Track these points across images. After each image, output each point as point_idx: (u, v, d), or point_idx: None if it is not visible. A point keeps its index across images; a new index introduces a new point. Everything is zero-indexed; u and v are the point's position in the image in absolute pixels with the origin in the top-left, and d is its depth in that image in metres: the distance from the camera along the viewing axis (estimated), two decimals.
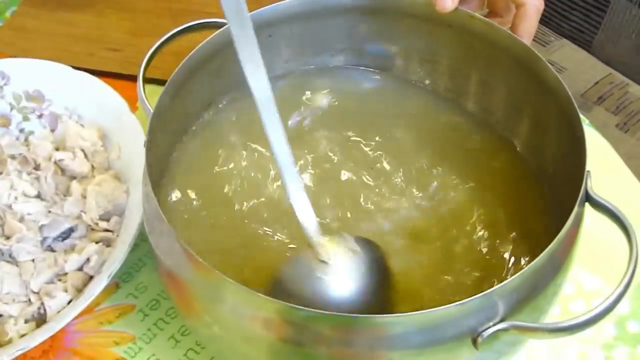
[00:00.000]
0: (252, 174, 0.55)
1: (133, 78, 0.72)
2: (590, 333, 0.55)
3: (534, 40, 0.56)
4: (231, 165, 0.56)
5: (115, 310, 0.57)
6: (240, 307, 0.40)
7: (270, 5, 0.55)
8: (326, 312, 0.38)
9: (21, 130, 0.64)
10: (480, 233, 0.52)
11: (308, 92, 0.60)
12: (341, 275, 0.45)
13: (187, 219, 0.53)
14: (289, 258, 0.50)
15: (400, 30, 0.58)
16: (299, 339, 0.40)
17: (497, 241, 0.52)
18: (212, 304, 0.42)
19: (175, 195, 0.54)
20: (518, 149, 0.56)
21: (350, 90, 0.61)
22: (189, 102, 0.55)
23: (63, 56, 0.72)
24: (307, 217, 0.44)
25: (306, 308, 0.38)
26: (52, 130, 0.63)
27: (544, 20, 1.14)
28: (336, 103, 0.60)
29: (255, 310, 0.40)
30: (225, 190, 0.55)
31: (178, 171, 0.55)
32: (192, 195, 0.54)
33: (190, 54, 0.52)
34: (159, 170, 0.53)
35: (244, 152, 0.56)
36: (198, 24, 0.57)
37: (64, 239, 0.56)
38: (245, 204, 0.54)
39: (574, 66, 1.06)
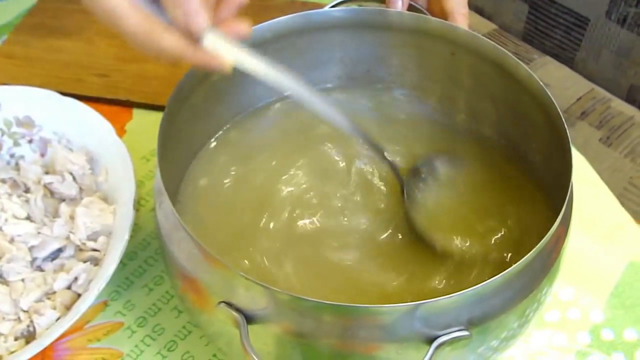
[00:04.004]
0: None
1: (119, 102, 0.74)
2: (565, 342, 0.56)
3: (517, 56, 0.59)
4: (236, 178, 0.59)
5: (104, 328, 0.59)
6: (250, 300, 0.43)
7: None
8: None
9: (12, 155, 0.66)
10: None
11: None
12: None
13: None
14: None
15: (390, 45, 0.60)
16: (305, 330, 0.43)
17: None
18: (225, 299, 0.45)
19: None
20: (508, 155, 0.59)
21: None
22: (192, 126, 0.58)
23: (53, 82, 0.75)
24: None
25: (311, 299, 0.41)
26: (42, 155, 0.65)
27: (527, 38, 1.17)
28: None
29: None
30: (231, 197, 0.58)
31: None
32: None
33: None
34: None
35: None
36: None
37: (53, 259, 0.58)
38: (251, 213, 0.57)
39: (557, 82, 1.08)
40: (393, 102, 0.63)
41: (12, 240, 0.57)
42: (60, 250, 0.58)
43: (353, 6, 0.59)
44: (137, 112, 0.74)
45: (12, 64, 0.79)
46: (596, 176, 0.68)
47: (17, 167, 0.65)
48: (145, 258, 0.62)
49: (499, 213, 0.56)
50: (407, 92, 0.63)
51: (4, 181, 0.61)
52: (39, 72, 0.77)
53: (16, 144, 0.65)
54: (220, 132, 0.61)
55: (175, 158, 0.55)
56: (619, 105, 1.04)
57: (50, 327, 0.53)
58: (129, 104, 0.74)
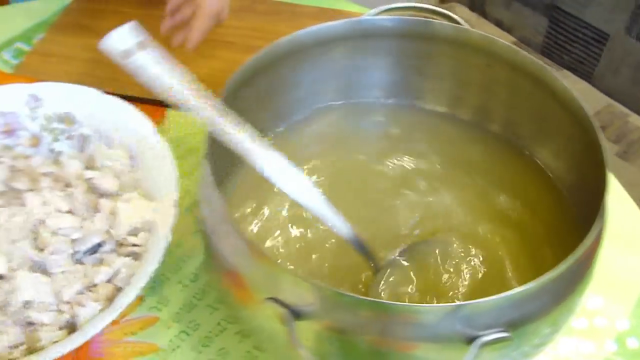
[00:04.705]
0: None
1: (154, 102, 0.76)
2: (592, 349, 0.58)
3: None
4: None
5: (140, 322, 0.60)
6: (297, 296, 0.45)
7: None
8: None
9: (51, 151, 0.67)
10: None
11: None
12: None
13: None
14: None
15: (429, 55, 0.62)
16: (349, 327, 0.45)
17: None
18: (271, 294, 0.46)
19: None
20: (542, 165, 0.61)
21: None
22: None
23: (89, 80, 0.76)
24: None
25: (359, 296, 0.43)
26: (81, 151, 0.66)
27: (546, 51, 1.18)
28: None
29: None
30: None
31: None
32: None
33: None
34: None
35: None
36: None
37: (92, 253, 0.59)
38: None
39: None
40: (427, 111, 0.64)
41: (54, 233, 0.58)
42: (99, 244, 0.59)
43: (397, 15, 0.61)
44: (170, 112, 0.76)
45: (49, 62, 0.81)
46: (620, 187, 0.70)
47: (56, 162, 0.66)
48: (180, 256, 0.64)
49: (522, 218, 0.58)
50: (443, 102, 0.64)
51: (45, 175, 0.62)
52: (75, 70, 0.79)
53: (55, 139, 0.67)
54: (270, 129, 0.62)
55: (221, 153, 0.56)
56: (637, 120, 1.05)
57: (92, 318, 0.54)
58: (163, 104, 0.75)
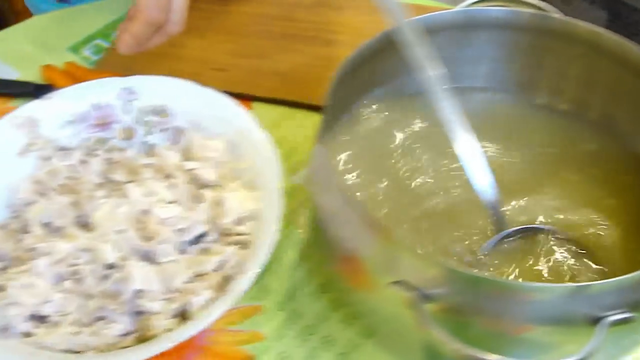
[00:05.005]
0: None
1: (238, 96, 0.76)
2: None
3: None
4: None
5: (243, 311, 0.60)
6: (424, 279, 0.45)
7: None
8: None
9: (144, 143, 0.68)
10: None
11: None
12: None
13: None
14: None
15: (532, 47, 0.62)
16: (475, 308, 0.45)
17: None
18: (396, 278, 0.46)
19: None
20: None
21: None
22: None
23: (172, 75, 0.76)
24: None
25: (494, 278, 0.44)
26: (175, 143, 0.67)
27: None
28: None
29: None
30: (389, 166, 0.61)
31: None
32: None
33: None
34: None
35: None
36: None
37: (196, 242, 0.60)
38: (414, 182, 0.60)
39: None
40: (530, 102, 0.65)
41: (161, 223, 0.58)
42: (203, 234, 0.60)
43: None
44: (256, 106, 0.76)
45: (129, 57, 0.81)
46: None
47: (150, 155, 0.67)
48: (280, 245, 0.64)
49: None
50: (544, 94, 0.64)
51: (146, 166, 0.62)
52: (157, 66, 0.79)
53: (149, 132, 0.68)
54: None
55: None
56: None
57: (205, 307, 0.55)
58: (248, 98, 0.76)
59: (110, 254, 0.56)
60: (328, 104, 0.52)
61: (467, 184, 0.54)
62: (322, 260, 0.57)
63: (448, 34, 0.60)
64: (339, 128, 0.61)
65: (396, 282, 0.46)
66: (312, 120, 0.75)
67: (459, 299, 0.46)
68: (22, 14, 1.10)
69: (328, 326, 0.59)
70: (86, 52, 0.83)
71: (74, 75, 0.79)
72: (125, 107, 0.67)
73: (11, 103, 0.79)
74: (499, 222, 0.55)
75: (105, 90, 0.67)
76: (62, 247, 0.57)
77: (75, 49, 0.84)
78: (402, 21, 0.53)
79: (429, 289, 0.45)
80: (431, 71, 0.52)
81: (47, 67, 0.80)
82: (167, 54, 0.81)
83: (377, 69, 0.60)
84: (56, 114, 0.66)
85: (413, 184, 0.59)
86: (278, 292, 0.61)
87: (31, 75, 0.81)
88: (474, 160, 0.53)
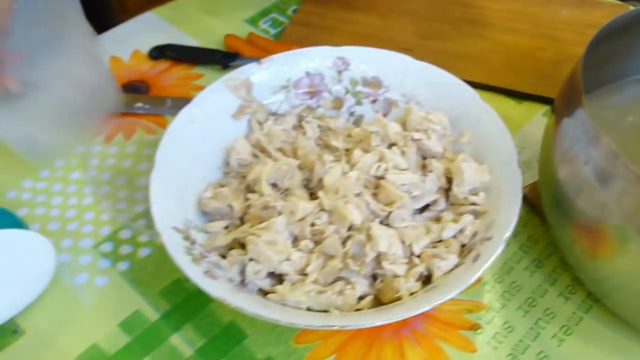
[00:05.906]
0: None
1: None
2: None
3: None
4: None
5: None
6: None
7: None
8: None
9: (351, 114, 0.69)
10: None
11: None
12: None
13: None
14: None
15: None
16: None
17: None
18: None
19: None
20: None
21: None
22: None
23: None
24: None
25: None
26: (384, 115, 0.68)
27: None
28: None
29: None
30: None
31: None
32: None
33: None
34: None
35: None
36: None
37: (423, 210, 0.61)
38: None
39: None
40: None
41: (397, 189, 0.59)
42: (429, 204, 0.61)
43: None
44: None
45: (311, 32, 0.83)
46: None
47: (357, 124, 0.68)
48: None
49: None
50: None
51: (375, 134, 0.63)
52: (339, 41, 0.80)
53: (358, 102, 0.69)
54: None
55: None
56: None
57: (447, 272, 0.56)
58: None
59: (357, 216, 0.57)
60: (580, 70, 0.53)
61: None
62: (560, 236, 0.58)
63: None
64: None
65: None
66: (505, 105, 0.76)
67: None
68: None
69: (547, 300, 0.60)
70: (264, 25, 0.85)
71: (259, 46, 0.81)
72: (336, 76, 0.68)
73: (195, 70, 0.80)
74: None
75: (317, 59, 0.68)
76: (305, 206, 0.58)
77: (253, 21, 0.85)
78: None
79: None
80: None
81: (231, 37, 0.82)
82: (349, 31, 0.83)
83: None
84: (270, 79, 0.68)
85: None
86: (494, 266, 0.63)
87: (211, 44, 0.82)
88: None
